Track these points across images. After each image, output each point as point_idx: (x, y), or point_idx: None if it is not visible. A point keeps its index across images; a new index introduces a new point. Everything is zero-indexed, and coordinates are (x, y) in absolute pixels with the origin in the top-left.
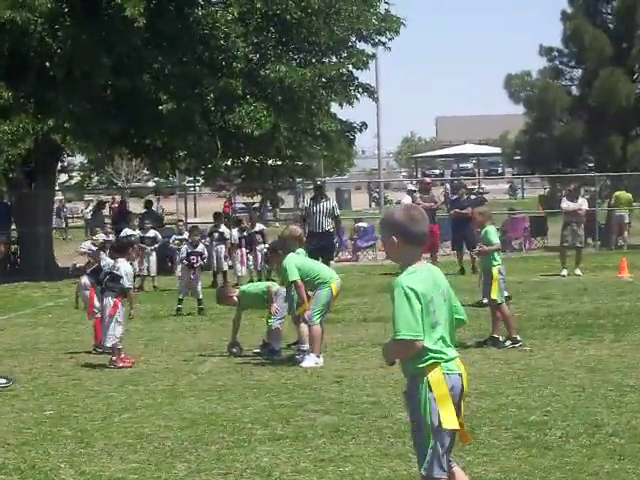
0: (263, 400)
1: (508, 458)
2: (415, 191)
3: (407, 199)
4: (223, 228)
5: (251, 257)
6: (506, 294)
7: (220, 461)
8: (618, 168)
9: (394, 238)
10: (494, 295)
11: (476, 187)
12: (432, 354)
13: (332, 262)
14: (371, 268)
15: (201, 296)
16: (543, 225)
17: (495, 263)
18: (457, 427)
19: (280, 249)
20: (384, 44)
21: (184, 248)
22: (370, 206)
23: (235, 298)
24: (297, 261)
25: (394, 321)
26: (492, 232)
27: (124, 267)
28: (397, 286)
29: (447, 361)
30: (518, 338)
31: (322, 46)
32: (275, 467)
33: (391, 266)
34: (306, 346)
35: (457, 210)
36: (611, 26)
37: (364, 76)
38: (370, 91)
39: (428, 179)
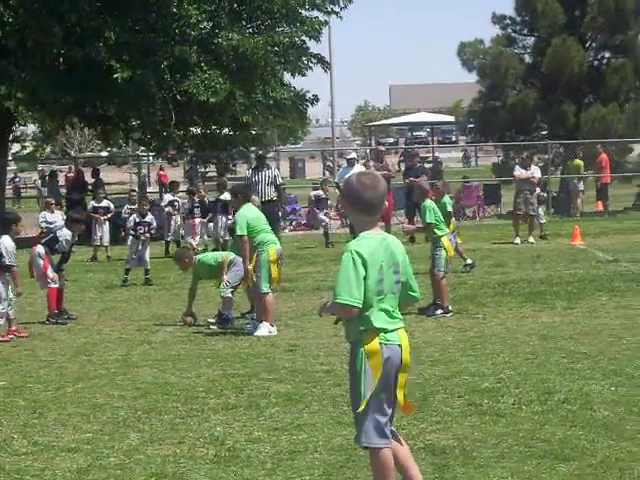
0: (217, 369)
1: (461, 425)
2: (354, 159)
3: (358, 168)
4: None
5: (211, 226)
6: (469, 261)
7: (174, 430)
8: (571, 136)
9: (345, 203)
10: (442, 266)
11: (430, 155)
12: (373, 323)
13: (286, 231)
14: (332, 236)
15: (149, 266)
16: (496, 193)
17: (439, 233)
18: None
19: (240, 193)
20: (337, 13)
21: (132, 218)
22: (324, 175)
23: (187, 263)
24: (250, 215)
25: (336, 283)
26: (428, 208)
27: (5, 243)
28: (346, 250)
29: (387, 332)
30: (450, 308)
31: (275, 14)
32: (229, 436)
33: (345, 234)
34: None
35: (412, 178)
36: None
37: (317, 46)
38: (323, 61)
39: (382, 147)
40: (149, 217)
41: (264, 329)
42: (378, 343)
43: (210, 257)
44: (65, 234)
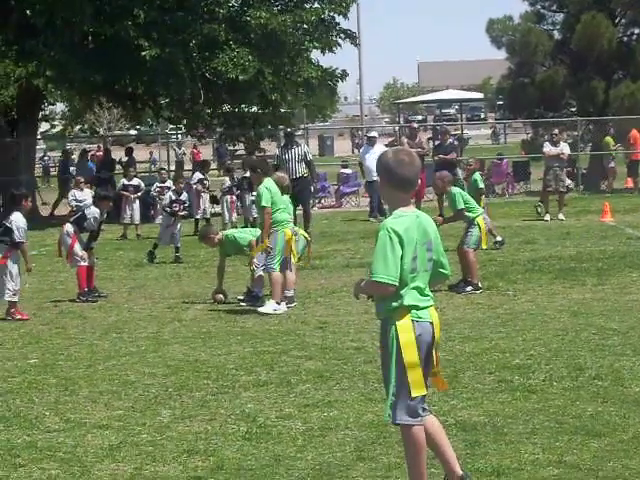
0: (247, 346)
1: (492, 402)
2: (375, 138)
3: (379, 146)
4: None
5: (239, 204)
6: (499, 238)
7: (204, 407)
8: (601, 113)
9: (381, 179)
10: (471, 243)
11: (458, 133)
12: (404, 301)
13: (315, 208)
14: (354, 214)
15: (179, 244)
16: (526, 170)
17: (472, 215)
18: (418, 378)
19: (259, 168)
20: None
21: (168, 195)
22: (353, 152)
23: (216, 240)
24: (271, 188)
25: (373, 261)
26: (456, 195)
27: (17, 220)
28: (382, 228)
29: (419, 309)
30: (480, 285)
31: None
32: (260, 413)
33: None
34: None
35: (441, 155)
36: None
37: (345, 23)
38: (352, 36)
39: (415, 124)
40: (184, 195)
41: (269, 307)
42: (410, 320)
43: (238, 234)
44: (93, 212)
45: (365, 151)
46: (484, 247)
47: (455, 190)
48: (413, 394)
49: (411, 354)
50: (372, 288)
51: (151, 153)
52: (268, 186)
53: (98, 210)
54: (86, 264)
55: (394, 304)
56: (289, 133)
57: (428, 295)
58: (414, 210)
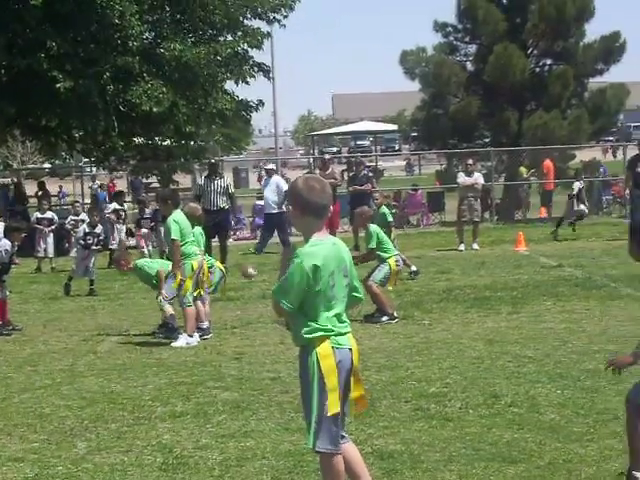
0: (163, 378)
1: (409, 430)
2: (273, 170)
3: (276, 178)
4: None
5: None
6: (414, 268)
7: (121, 439)
8: (514, 143)
9: (293, 208)
10: (377, 278)
11: (373, 164)
12: (324, 328)
13: (230, 240)
14: (270, 246)
15: (94, 277)
16: (440, 200)
17: (385, 256)
18: (337, 408)
19: (169, 199)
20: (279, 21)
21: (82, 228)
22: None
23: (126, 267)
24: (180, 221)
25: (281, 281)
26: (372, 233)
27: None
28: (298, 255)
29: (338, 336)
30: (395, 314)
31: (217, 24)
32: (176, 444)
33: (291, 243)
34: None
35: (356, 187)
36: (505, 1)
37: (260, 54)
38: (265, 70)
39: (327, 155)
40: (99, 228)
41: (182, 340)
42: (330, 347)
43: (147, 264)
44: (4, 244)
45: (266, 183)
46: (390, 287)
47: (372, 228)
48: (329, 413)
49: (332, 380)
50: (274, 303)
51: (60, 187)
52: (176, 219)
53: (9, 242)
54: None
55: (314, 332)
56: (212, 164)
57: (346, 321)
58: (329, 236)
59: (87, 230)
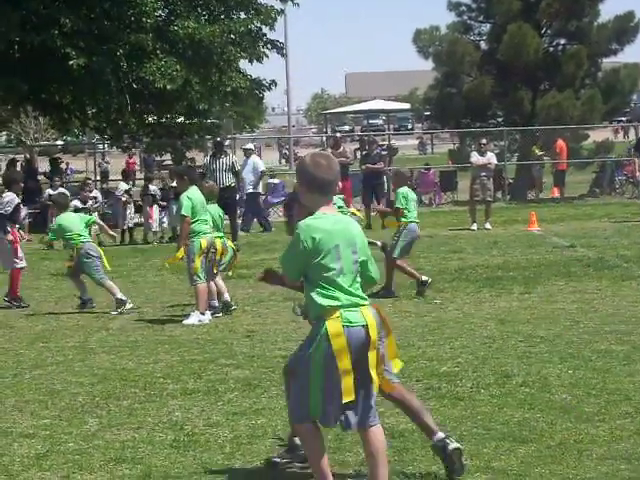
0: (175, 355)
1: None
2: (251, 150)
3: (254, 158)
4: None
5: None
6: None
7: (132, 416)
8: (527, 123)
9: (300, 184)
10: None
11: (385, 143)
12: (332, 297)
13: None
14: (282, 224)
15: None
16: (453, 180)
17: (404, 220)
18: (351, 395)
19: (185, 175)
20: (292, 0)
21: (73, 204)
22: (280, 162)
23: None
24: (195, 198)
25: (282, 254)
26: (399, 195)
27: None
28: (298, 227)
29: (350, 311)
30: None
31: (231, 2)
32: (187, 421)
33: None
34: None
35: (369, 165)
36: None
37: (273, 34)
38: (278, 47)
39: (339, 134)
40: (89, 203)
41: (194, 318)
42: (341, 325)
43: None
44: (10, 195)
45: (243, 164)
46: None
47: (402, 190)
48: (344, 399)
49: (345, 362)
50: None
51: (67, 164)
52: (190, 195)
53: (13, 193)
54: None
55: (324, 304)
56: (218, 142)
57: (359, 295)
58: (335, 213)
59: (79, 206)
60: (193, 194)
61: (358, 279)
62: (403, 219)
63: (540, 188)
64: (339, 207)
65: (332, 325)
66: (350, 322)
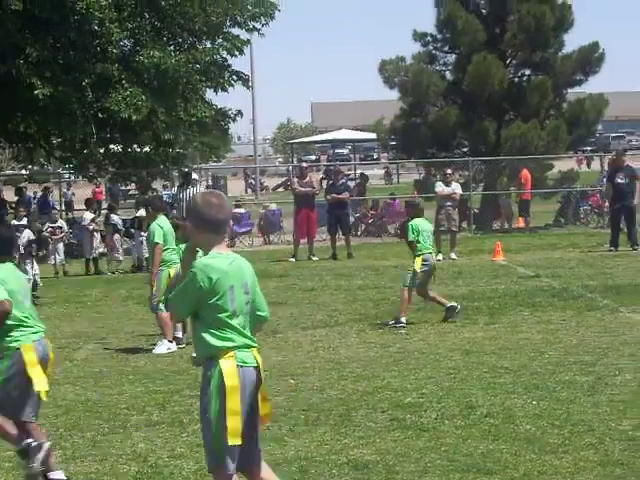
0: (139, 386)
1: (384, 440)
2: (190, 175)
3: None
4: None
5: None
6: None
7: (96, 447)
8: (492, 152)
9: (192, 224)
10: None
11: (351, 173)
12: (225, 338)
13: None
14: (247, 254)
15: (38, 283)
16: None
17: (417, 253)
18: (237, 439)
19: (152, 206)
20: (258, 30)
21: (25, 234)
22: (246, 192)
23: None
24: (165, 227)
25: (176, 289)
26: (410, 227)
27: None
28: (194, 266)
29: (243, 352)
30: (403, 320)
31: (197, 32)
32: (151, 452)
33: (268, 251)
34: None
35: (334, 195)
36: (484, 11)
37: (239, 62)
38: (244, 79)
39: (305, 164)
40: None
41: (163, 347)
42: (235, 365)
43: None
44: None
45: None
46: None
47: (413, 222)
48: (229, 442)
49: (234, 401)
50: (169, 308)
51: (35, 193)
52: (161, 224)
53: None
54: None
55: (216, 342)
56: (186, 173)
57: (250, 337)
58: (229, 252)
59: (32, 237)
60: (163, 223)
61: (249, 319)
62: (418, 251)
63: (510, 218)
64: None
65: (226, 364)
66: (244, 362)
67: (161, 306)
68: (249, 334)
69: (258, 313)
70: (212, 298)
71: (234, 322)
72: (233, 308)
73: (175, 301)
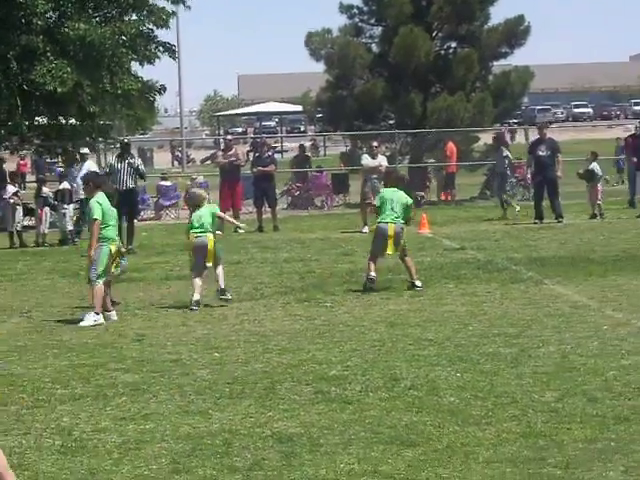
0: (63, 360)
1: (308, 413)
2: (87, 154)
3: (89, 163)
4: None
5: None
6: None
7: (20, 421)
8: (418, 125)
9: None
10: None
11: (278, 145)
12: None
13: (135, 221)
14: (173, 227)
15: None
16: (345, 182)
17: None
18: None
19: (91, 182)
20: (184, 2)
21: None
22: (173, 165)
23: None
24: (104, 203)
25: None
26: (378, 195)
27: None
28: None
29: None
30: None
31: (122, 4)
32: (75, 426)
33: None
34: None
35: (260, 168)
36: None
37: (166, 35)
38: (171, 50)
39: (230, 136)
40: None
41: (90, 319)
42: None
43: None
44: None
45: (79, 167)
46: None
47: (382, 190)
48: None
49: None
50: None
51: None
52: (100, 200)
53: None
54: None
55: None
56: (125, 144)
57: None
58: None
59: None
60: (102, 200)
61: None
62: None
63: (440, 190)
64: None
65: None
66: None
67: (98, 279)
68: None
69: None
70: None
71: None
72: None
73: None
